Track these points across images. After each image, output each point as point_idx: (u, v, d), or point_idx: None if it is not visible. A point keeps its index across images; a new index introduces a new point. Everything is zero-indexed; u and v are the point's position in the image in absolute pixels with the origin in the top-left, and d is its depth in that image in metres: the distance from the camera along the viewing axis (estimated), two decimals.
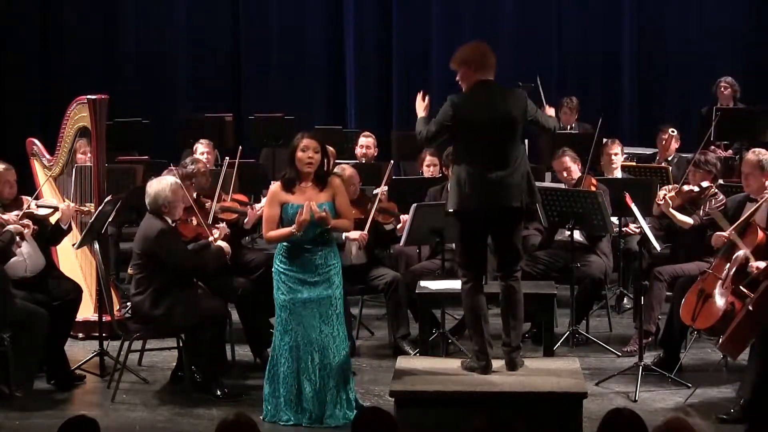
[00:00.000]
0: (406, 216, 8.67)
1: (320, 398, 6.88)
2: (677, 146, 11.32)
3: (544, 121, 6.92)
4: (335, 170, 7.64)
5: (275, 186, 7.02)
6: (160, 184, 7.60)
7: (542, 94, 10.52)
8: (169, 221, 7.56)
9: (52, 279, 7.98)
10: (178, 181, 7.72)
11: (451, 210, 6.78)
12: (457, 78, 6.85)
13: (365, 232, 8.48)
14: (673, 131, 11.19)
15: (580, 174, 9.16)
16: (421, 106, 6.98)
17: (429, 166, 10.17)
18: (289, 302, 6.91)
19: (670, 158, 11.18)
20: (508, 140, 6.69)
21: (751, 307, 7.00)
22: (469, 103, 6.75)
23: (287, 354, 6.92)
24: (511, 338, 6.85)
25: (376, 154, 11.32)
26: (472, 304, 6.81)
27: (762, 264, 7.15)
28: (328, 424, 6.87)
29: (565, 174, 9.19)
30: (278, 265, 6.96)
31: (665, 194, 8.31)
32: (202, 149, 10.22)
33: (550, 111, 7.37)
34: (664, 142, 11.25)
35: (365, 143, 11.23)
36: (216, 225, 8.02)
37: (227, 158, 9.82)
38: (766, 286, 7.03)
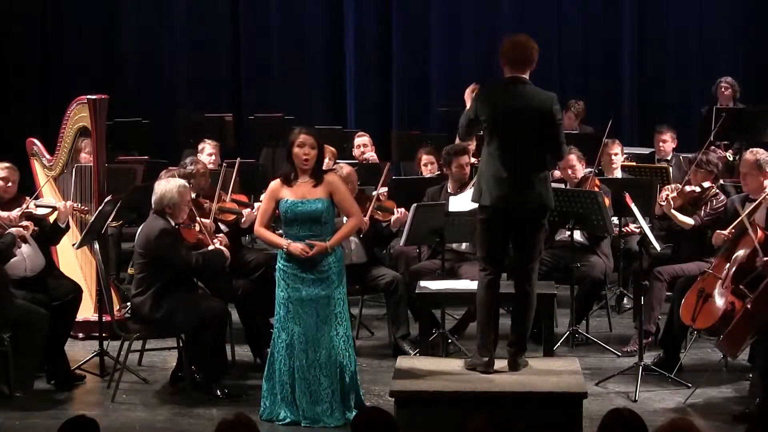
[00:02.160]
0: (403, 209, 8.68)
1: (314, 397, 6.88)
2: (674, 146, 11.34)
3: (562, 137, 6.75)
4: (333, 168, 7.66)
5: (275, 181, 7.06)
6: (169, 185, 7.60)
7: None
8: (172, 223, 7.56)
9: (52, 279, 7.98)
10: (187, 184, 7.73)
11: (473, 201, 6.82)
12: None
13: (366, 218, 8.50)
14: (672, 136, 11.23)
15: (583, 173, 9.17)
16: (468, 99, 6.92)
17: (426, 165, 10.20)
18: (287, 299, 6.92)
19: (668, 158, 11.19)
20: (524, 140, 6.65)
21: (749, 306, 7.01)
22: (491, 97, 6.75)
23: (283, 351, 6.93)
24: (516, 340, 6.85)
25: (373, 152, 11.35)
26: (484, 298, 6.81)
27: None
28: (327, 423, 6.87)
29: (569, 171, 9.18)
30: (280, 262, 6.98)
31: (667, 195, 8.31)
32: (209, 150, 10.20)
33: None
34: (661, 144, 11.27)
35: (361, 143, 11.28)
36: (217, 235, 8.02)
37: (225, 161, 9.83)
38: (765, 285, 7.04)
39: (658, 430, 4.39)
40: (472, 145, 9.57)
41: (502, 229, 6.77)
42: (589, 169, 9.39)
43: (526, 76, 6.76)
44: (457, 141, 9.09)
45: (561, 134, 6.76)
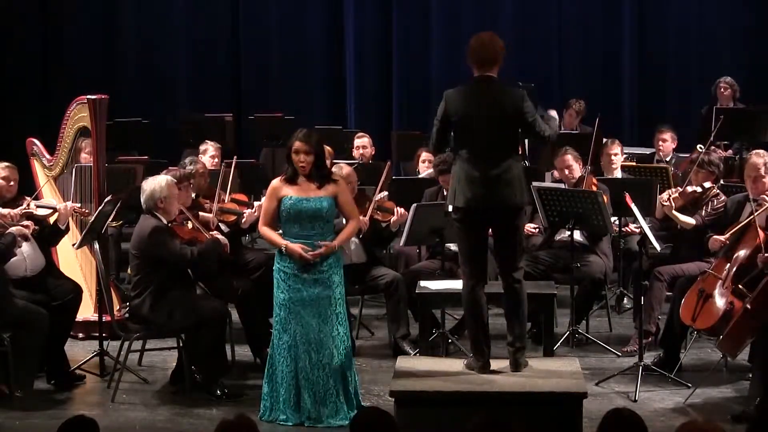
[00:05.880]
0: (402, 209, 8.69)
1: (318, 398, 6.87)
2: (674, 146, 11.35)
3: (539, 127, 6.72)
4: (333, 170, 7.64)
5: (276, 180, 7.06)
6: (155, 181, 7.64)
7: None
8: (164, 221, 7.57)
9: (52, 279, 7.98)
10: (173, 179, 7.75)
11: (450, 206, 6.77)
12: None
13: (366, 218, 8.50)
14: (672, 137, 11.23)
15: (581, 173, 9.17)
16: None
17: (424, 162, 10.22)
18: (288, 301, 6.92)
19: (668, 159, 11.19)
20: (496, 139, 6.63)
21: (749, 306, 7.02)
22: (460, 98, 6.71)
23: (285, 353, 6.92)
24: (515, 338, 6.83)
25: (373, 153, 11.37)
26: (471, 302, 6.79)
27: None
28: (329, 423, 6.86)
29: (566, 172, 9.19)
30: (279, 263, 6.97)
31: (669, 195, 8.30)
32: (212, 152, 10.19)
33: (552, 113, 7.28)
34: (661, 143, 11.28)
35: (360, 144, 11.30)
36: (209, 232, 7.99)
37: (224, 161, 9.84)
38: (764, 285, 7.05)
39: (684, 425, 4.37)
40: None
41: (478, 230, 6.75)
42: (584, 167, 9.37)
43: (494, 74, 6.73)
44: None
45: (537, 125, 6.70)
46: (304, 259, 6.86)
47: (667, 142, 11.30)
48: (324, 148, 7.10)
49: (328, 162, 8.85)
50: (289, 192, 6.94)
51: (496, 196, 6.63)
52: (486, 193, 6.62)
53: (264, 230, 7.05)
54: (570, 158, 9.18)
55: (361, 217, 8.50)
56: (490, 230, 6.86)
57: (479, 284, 6.80)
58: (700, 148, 9.34)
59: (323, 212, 6.91)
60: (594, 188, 8.89)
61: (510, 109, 6.65)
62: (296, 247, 6.87)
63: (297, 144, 6.92)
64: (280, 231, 7.07)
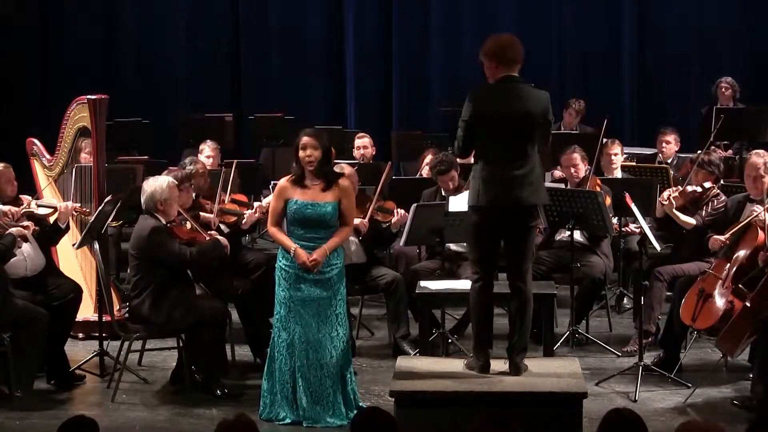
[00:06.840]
0: (403, 210, 8.68)
1: (315, 397, 6.88)
2: (677, 149, 11.34)
3: (549, 134, 6.80)
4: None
5: (284, 180, 7.07)
6: (157, 182, 7.64)
7: None
8: (163, 221, 7.57)
9: (52, 279, 7.97)
10: (174, 180, 7.76)
11: (469, 205, 6.74)
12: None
13: (365, 219, 8.49)
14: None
15: (585, 173, 9.16)
16: None
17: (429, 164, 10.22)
18: (288, 299, 6.93)
19: (669, 161, 11.18)
20: (523, 139, 6.59)
21: (748, 303, 7.03)
22: (487, 97, 6.67)
23: (284, 351, 6.93)
24: (517, 340, 6.80)
25: (373, 153, 11.37)
26: (478, 301, 6.78)
27: None
28: (329, 423, 6.87)
29: (572, 170, 9.17)
30: (280, 261, 6.99)
31: (669, 194, 8.30)
32: (208, 152, 10.21)
33: None
34: (664, 145, 11.27)
35: (361, 144, 11.30)
36: (208, 232, 7.99)
37: (224, 162, 9.85)
38: (764, 282, 7.05)
39: (684, 425, 4.38)
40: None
41: (494, 230, 6.72)
42: (588, 167, 9.36)
43: (517, 74, 6.72)
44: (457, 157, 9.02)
45: (550, 130, 6.79)
46: (307, 267, 6.88)
47: (671, 144, 11.28)
48: (332, 147, 7.10)
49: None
50: (296, 195, 6.94)
51: (521, 197, 6.59)
52: (511, 194, 6.58)
53: (273, 230, 7.06)
54: (578, 157, 9.16)
55: (361, 219, 8.51)
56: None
57: (489, 284, 6.78)
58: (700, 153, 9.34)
59: (327, 218, 6.93)
60: (598, 189, 8.88)
61: (537, 109, 6.63)
62: (303, 255, 6.88)
63: (305, 139, 6.93)
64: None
